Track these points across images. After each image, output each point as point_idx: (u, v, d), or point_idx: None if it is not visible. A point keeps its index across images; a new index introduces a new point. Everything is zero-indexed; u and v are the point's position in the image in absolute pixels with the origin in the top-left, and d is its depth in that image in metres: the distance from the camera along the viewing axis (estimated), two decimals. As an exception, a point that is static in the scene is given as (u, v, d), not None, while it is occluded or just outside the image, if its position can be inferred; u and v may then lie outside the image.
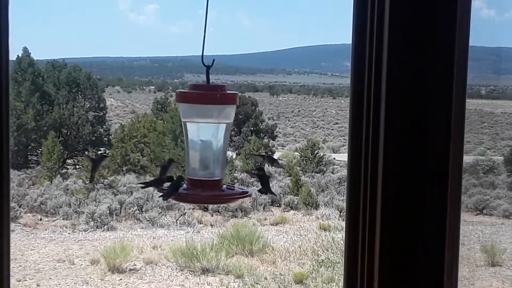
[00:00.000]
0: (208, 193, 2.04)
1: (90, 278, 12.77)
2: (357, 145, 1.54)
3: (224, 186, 2.07)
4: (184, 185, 2.04)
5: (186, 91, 2.03)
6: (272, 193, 2.36)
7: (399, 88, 1.49)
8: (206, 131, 2.08)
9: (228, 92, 2.01)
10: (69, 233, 16.24)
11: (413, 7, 1.47)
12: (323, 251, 14.18)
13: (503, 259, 11.98)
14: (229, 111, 2.04)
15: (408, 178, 1.50)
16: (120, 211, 17.82)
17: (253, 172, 2.21)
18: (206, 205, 13.73)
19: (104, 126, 28.63)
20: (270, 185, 2.21)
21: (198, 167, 2.07)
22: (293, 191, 19.88)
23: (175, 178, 2.06)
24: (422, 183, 1.50)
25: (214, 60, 2.01)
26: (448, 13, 1.47)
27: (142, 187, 17.69)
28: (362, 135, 1.53)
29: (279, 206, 19.37)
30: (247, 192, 2.07)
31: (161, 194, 2.11)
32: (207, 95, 1.99)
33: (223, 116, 2.03)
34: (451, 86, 1.48)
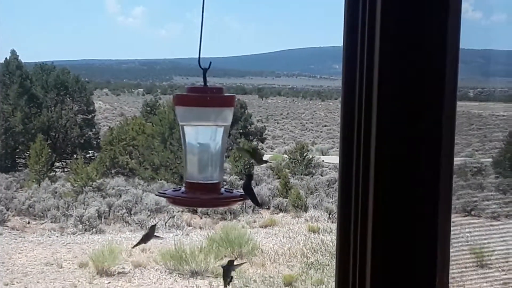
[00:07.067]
0: (206, 196, 2.02)
1: (79, 281, 12.72)
2: (349, 147, 1.54)
3: (223, 189, 2.05)
4: (182, 189, 2.03)
5: (183, 94, 2.01)
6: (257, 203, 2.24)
7: (390, 90, 1.49)
8: (204, 134, 2.06)
9: (225, 94, 2.00)
10: (57, 236, 16.16)
11: (404, 8, 1.47)
12: (312, 253, 14.19)
13: (492, 260, 12.03)
14: (227, 113, 2.02)
15: (400, 180, 1.50)
16: (109, 214, 17.77)
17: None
18: (197, 207, 13.71)
19: (93, 129, 28.53)
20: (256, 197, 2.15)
21: (196, 170, 2.06)
22: (282, 194, 19.89)
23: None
24: (414, 184, 1.50)
25: (211, 63, 2.00)
26: (438, 14, 1.48)
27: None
28: (353, 137, 1.52)
29: (268, 208, 19.36)
30: (245, 195, 2.05)
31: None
32: (204, 98, 1.97)
33: (220, 118, 2.01)
34: (442, 87, 1.49)
